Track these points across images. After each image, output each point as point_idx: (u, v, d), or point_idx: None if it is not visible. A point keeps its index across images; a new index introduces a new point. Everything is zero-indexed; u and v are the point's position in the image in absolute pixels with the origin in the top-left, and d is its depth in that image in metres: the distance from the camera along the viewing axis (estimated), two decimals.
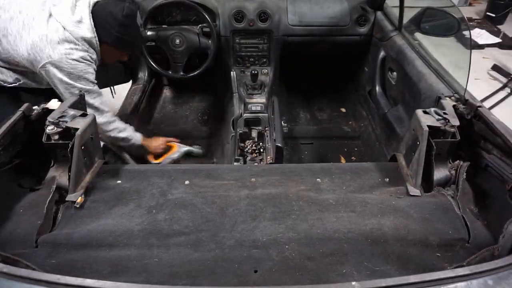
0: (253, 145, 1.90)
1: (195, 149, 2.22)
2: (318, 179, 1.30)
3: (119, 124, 1.85)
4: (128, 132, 1.89)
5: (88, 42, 1.58)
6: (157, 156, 2.07)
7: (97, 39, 1.59)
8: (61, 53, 1.52)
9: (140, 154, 2.04)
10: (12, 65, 1.62)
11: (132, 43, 1.74)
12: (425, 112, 1.32)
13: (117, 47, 1.68)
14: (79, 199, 1.18)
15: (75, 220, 1.14)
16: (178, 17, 2.39)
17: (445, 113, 1.30)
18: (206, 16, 2.19)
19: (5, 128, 1.19)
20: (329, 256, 1.01)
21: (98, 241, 1.05)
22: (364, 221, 1.11)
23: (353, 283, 0.72)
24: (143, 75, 2.83)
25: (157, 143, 2.06)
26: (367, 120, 2.52)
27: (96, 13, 1.57)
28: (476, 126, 1.29)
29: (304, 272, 0.96)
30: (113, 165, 1.47)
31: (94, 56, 1.63)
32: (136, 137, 1.94)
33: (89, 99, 1.61)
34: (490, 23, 5.11)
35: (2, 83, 1.68)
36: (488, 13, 5.22)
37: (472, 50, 1.52)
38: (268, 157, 1.79)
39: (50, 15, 1.53)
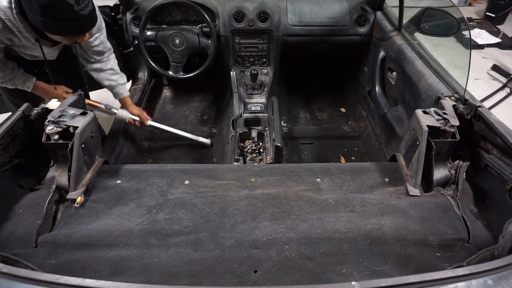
0: (253, 145, 1.90)
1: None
2: (318, 179, 1.30)
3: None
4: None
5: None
6: None
7: (15, 12, 1.35)
8: None
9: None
10: None
11: (69, 26, 1.37)
12: (425, 112, 1.32)
13: (50, 32, 1.39)
14: (79, 199, 1.18)
15: (75, 220, 1.14)
16: (178, 17, 2.39)
17: (444, 113, 1.30)
18: (206, 16, 2.19)
19: (5, 128, 1.19)
20: (329, 256, 1.01)
21: (98, 241, 1.05)
22: (364, 221, 1.11)
23: (353, 283, 0.72)
24: (143, 75, 2.83)
25: (54, 93, 1.77)
26: (367, 120, 2.52)
27: None
28: (476, 126, 1.29)
29: (304, 272, 0.96)
30: (113, 164, 1.47)
31: None
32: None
33: None
34: (490, 23, 5.11)
35: None
36: (488, 13, 5.22)
37: (472, 50, 1.52)
38: (268, 157, 1.79)
39: None
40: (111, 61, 1.91)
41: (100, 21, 1.72)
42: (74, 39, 1.47)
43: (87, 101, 1.81)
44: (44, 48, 1.58)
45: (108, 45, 1.86)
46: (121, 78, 1.97)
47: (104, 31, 1.80)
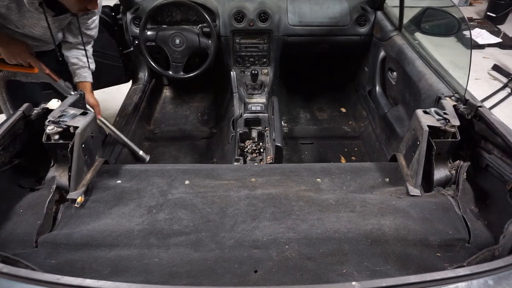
0: (253, 145, 1.90)
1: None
2: (318, 179, 1.30)
3: None
4: None
5: None
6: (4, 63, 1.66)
7: None
8: None
9: None
10: None
11: None
12: (425, 112, 1.32)
13: None
14: (80, 199, 1.18)
15: (75, 220, 1.14)
16: (178, 17, 2.39)
17: (445, 113, 1.30)
18: (206, 16, 2.19)
19: (5, 128, 1.19)
20: (329, 256, 1.01)
21: (98, 241, 1.05)
22: (364, 221, 1.11)
23: (353, 283, 0.72)
24: (143, 75, 2.84)
25: (15, 49, 1.59)
26: (367, 120, 2.52)
27: None
28: (477, 126, 1.29)
29: (304, 272, 0.96)
30: (113, 165, 1.47)
31: None
32: None
33: None
34: (491, 23, 5.11)
35: None
36: (488, 13, 5.22)
37: (473, 50, 1.52)
38: (268, 157, 1.79)
39: None
40: (88, 46, 1.87)
41: (100, 7, 1.73)
42: (85, 5, 1.44)
43: (47, 71, 1.70)
44: (45, 22, 1.49)
45: (96, 35, 1.86)
46: (92, 63, 1.89)
47: (98, 19, 1.82)
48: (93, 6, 1.48)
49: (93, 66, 1.91)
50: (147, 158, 2.25)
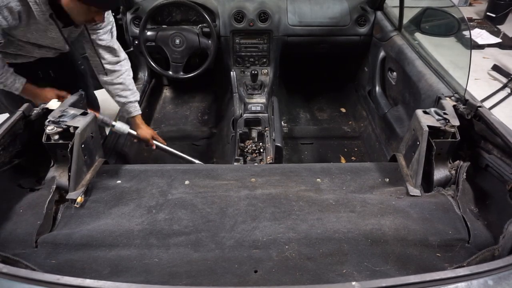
0: (253, 145, 1.90)
1: None
2: (318, 179, 1.30)
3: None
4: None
5: None
6: None
7: None
8: None
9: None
10: None
11: None
12: (425, 112, 1.32)
13: (82, 1, 1.33)
14: (79, 199, 1.18)
15: (75, 220, 1.14)
16: (178, 17, 2.39)
17: (445, 113, 1.30)
18: (206, 16, 2.19)
19: (5, 128, 1.19)
20: (329, 256, 1.01)
21: (98, 241, 1.05)
22: (364, 221, 1.11)
23: (353, 283, 0.72)
24: (143, 75, 2.84)
25: (44, 98, 1.59)
26: (367, 120, 2.52)
27: None
28: (476, 126, 1.29)
29: (304, 272, 0.96)
30: (113, 165, 1.47)
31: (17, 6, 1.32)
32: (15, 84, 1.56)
33: None
34: (490, 23, 5.11)
35: None
36: (488, 13, 5.22)
37: (472, 50, 1.52)
38: (268, 157, 1.79)
39: None
40: (123, 75, 1.77)
41: (111, 19, 1.68)
42: (92, 17, 1.41)
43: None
44: (54, 33, 1.48)
45: (118, 48, 1.74)
46: (133, 95, 1.83)
47: (114, 33, 1.72)
48: (100, 18, 1.45)
49: (134, 97, 1.84)
50: (201, 163, 2.17)
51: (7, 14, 1.31)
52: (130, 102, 1.84)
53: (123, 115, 1.94)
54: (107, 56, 1.71)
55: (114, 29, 1.73)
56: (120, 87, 1.78)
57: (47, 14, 1.39)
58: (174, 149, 2.11)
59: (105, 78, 1.76)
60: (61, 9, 1.37)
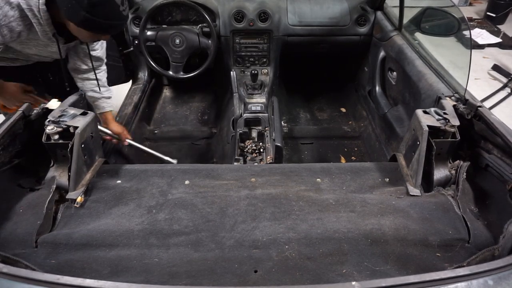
0: (253, 145, 1.90)
1: None
2: (318, 179, 1.30)
3: None
4: None
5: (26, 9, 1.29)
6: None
7: (41, 2, 1.30)
8: None
9: None
10: None
11: (108, 25, 1.36)
12: (425, 112, 1.32)
13: (86, 29, 1.35)
14: (79, 199, 1.18)
15: (75, 220, 1.14)
16: (178, 17, 2.39)
17: (445, 113, 1.30)
18: (206, 16, 2.19)
19: (5, 128, 1.19)
20: (329, 256, 1.01)
21: (98, 241, 1.05)
22: (364, 221, 1.11)
23: (353, 283, 0.72)
24: (143, 75, 2.84)
25: (9, 94, 1.61)
26: (367, 120, 2.52)
27: None
28: (476, 126, 1.29)
29: (304, 272, 0.96)
30: (113, 164, 1.47)
31: (19, 27, 1.32)
32: None
33: None
34: (491, 23, 5.11)
35: None
36: (488, 13, 5.22)
37: (472, 50, 1.52)
38: (268, 157, 1.79)
39: None
40: (101, 73, 1.83)
41: None
42: (97, 37, 1.45)
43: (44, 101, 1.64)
44: (54, 48, 1.49)
45: (103, 55, 1.80)
46: (107, 92, 1.87)
47: (104, 43, 1.78)
48: (106, 38, 1.50)
49: (108, 94, 1.88)
50: (175, 161, 2.19)
51: (6, 32, 1.30)
52: (104, 97, 1.86)
53: (94, 111, 1.89)
54: (93, 60, 1.75)
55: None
56: (95, 82, 1.78)
57: (50, 34, 1.40)
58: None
59: (81, 75, 1.76)
60: (63, 25, 1.38)
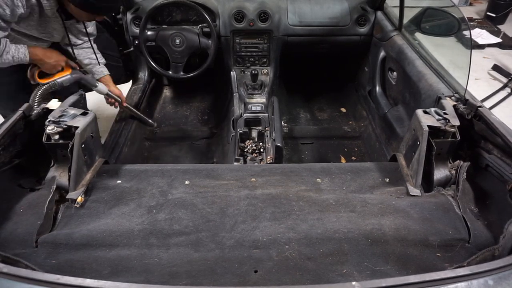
0: (253, 145, 1.90)
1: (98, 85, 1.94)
2: (318, 179, 1.30)
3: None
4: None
5: None
6: (45, 74, 1.69)
7: None
8: None
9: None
10: None
11: (105, 7, 1.57)
12: (425, 112, 1.32)
13: (84, 10, 1.51)
14: (79, 199, 1.18)
15: (75, 220, 1.14)
16: (178, 17, 2.39)
17: (445, 113, 1.30)
18: (206, 16, 2.19)
19: (5, 128, 1.19)
20: (329, 256, 1.01)
21: (98, 241, 1.05)
22: (364, 221, 1.11)
23: (353, 283, 0.72)
24: (143, 75, 2.83)
25: (53, 58, 1.66)
26: (367, 120, 2.52)
27: None
28: (477, 126, 1.29)
29: (304, 272, 0.96)
30: (113, 165, 1.48)
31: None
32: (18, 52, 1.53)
33: None
34: (491, 23, 5.11)
35: None
36: (488, 13, 5.21)
37: (473, 50, 1.52)
38: (268, 157, 1.79)
39: None
40: (94, 44, 1.98)
41: None
42: (93, 17, 1.65)
43: (74, 64, 1.79)
44: (56, 24, 1.65)
45: (95, 31, 1.96)
46: (101, 58, 2.02)
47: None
48: (100, 19, 1.74)
49: (102, 60, 2.04)
50: (155, 124, 2.62)
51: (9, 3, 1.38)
52: (101, 62, 2.02)
53: (93, 77, 1.97)
54: (86, 36, 1.93)
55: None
56: (91, 51, 1.94)
57: (55, 9, 1.55)
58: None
59: (76, 41, 1.90)
60: (63, 6, 1.56)
